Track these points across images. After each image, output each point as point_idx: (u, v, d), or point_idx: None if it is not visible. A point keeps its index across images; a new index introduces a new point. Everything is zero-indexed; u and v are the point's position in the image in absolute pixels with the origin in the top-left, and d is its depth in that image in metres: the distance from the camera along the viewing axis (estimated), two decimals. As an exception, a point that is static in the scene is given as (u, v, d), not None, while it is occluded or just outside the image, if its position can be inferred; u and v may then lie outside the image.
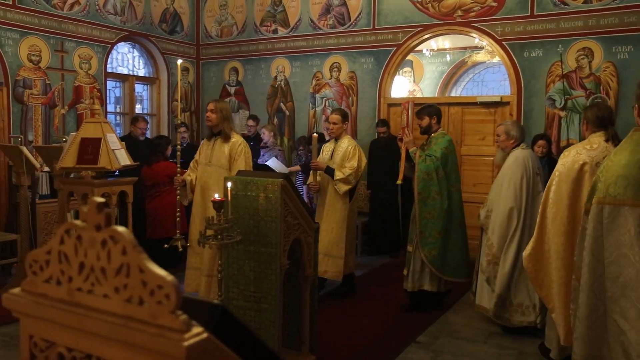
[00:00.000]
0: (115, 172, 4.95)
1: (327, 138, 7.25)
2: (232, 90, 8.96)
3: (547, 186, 3.65)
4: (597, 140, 3.55)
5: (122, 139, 6.35)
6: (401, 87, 9.94)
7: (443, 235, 4.85)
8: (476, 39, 7.49)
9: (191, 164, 5.00)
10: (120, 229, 0.91)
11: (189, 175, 4.91)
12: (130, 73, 8.59)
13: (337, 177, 5.19)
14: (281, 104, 8.44)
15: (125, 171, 5.00)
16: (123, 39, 8.11)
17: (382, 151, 7.16)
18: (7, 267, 6.24)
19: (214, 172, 4.71)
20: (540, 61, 6.66)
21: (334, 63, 7.99)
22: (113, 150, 4.74)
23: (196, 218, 4.80)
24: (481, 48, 9.06)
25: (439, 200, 4.82)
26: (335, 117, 5.45)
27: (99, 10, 7.61)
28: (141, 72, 8.79)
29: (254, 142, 7.62)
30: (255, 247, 3.53)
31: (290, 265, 3.62)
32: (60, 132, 7.12)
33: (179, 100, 7.75)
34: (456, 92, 10.58)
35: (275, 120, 8.51)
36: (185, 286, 4.74)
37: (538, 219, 3.65)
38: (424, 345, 4.37)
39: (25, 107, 6.76)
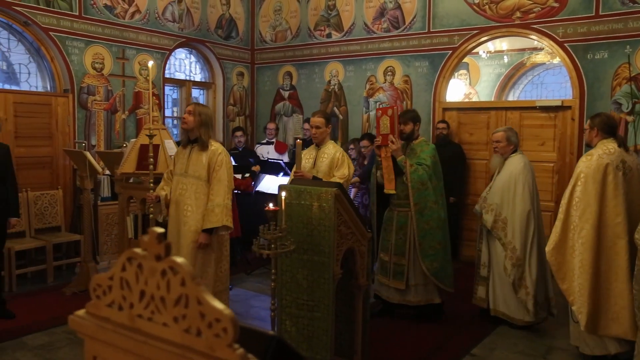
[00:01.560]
0: (172, 177, 5.08)
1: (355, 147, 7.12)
2: (285, 94, 9.04)
3: (570, 188, 3.97)
4: (611, 145, 3.98)
5: (178, 143, 6.52)
6: (456, 90, 9.75)
7: (443, 245, 4.82)
8: (535, 41, 7.27)
9: (165, 175, 4.52)
10: (180, 260, 0.92)
11: (162, 189, 4.43)
12: (187, 78, 8.81)
13: None
14: (335, 108, 8.45)
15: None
16: (180, 46, 8.32)
17: (438, 152, 7.04)
18: (72, 266, 6.51)
19: (191, 184, 4.22)
20: (605, 63, 6.38)
21: (388, 67, 7.92)
22: (170, 156, 4.87)
23: (170, 236, 4.25)
24: (541, 49, 8.78)
25: (437, 209, 4.75)
26: (318, 120, 4.73)
27: (158, 18, 7.84)
28: (197, 77, 8.99)
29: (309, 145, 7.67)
30: (308, 256, 3.54)
31: (343, 274, 3.61)
32: (120, 137, 7.37)
33: (234, 105, 7.88)
34: (514, 95, 10.28)
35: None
36: None
37: (561, 216, 3.96)
38: (479, 358, 4.26)
39: (88, 113, 7.03)
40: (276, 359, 0.98)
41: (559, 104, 6.77)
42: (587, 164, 3.91)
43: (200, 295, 0.91)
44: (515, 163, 4.83)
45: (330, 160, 4.66)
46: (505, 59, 9.76)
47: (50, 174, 6.76)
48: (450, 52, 7.38)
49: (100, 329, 1.05)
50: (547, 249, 4.01)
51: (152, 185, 4.28)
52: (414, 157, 4.77)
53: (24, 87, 6.84)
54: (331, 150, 4.73)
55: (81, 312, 1.09)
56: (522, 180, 4.72)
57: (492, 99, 9.85)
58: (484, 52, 8.96)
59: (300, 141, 4.60)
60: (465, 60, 8.56)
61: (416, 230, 4.72)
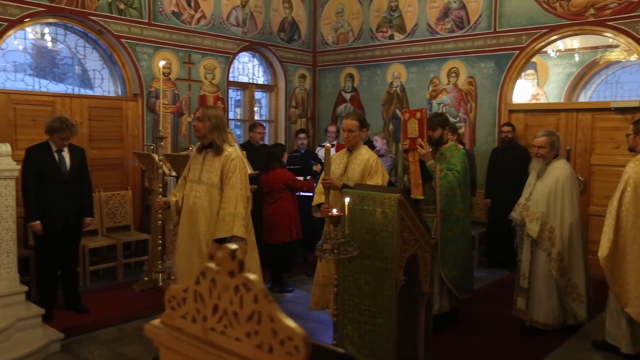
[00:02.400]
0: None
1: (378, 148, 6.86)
2: (347, 96, 9.04)
3: (619, 193, 4.00)
4: None
5: (241, 145, 6.65)
6: (523, 91, 9.44)
7: (463, 254, 4.69)
8: (611, 38, 6.93)
9: (179, 182, 4.33)
10: (252, 277, 0.93)
11: (174, 195, 4.25)
12: (250, 81, 8.96)
13: None
14: (397, 110, 8.37)
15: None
16: (244, 49, 8.48)
17: (504, 155, 6.87)
18: (140, 264, 6.75)
19: (204, 192, 4.00)
20: (686, 62, 6.00)
21: (452, 68, 7.77)
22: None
23: (181, 246, 4.11)
24: (616, 46, 8.36)
25: (462, 217, 4.58)
26: (351, 123, 4.36)
27: (222, 23, 8.02)
28: (260, 80, 9.14)
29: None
30: (371, 262, 3.52)
31: (406, 281, 3.56)
32: (186, 139, 7.59)
33: (296, 107, 7.96)
34: (585, 96, 9.83)
35: (391, 126, 8.45)
36: None
37: (612, 222, 4.00)
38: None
39: (156, 116, 7.28)
40: (346, 377, 0.97)
41: (637, 104, 6.42)
42: (636, 170, 3.97)
43: (273, 313, 0.91)
44: (561, 169, 4.64)
45: (363, 167, 4.31)
46: (576, 58, 9.36)
47: (120, 175, 7.05)
48: (518, 52, 7.16)
49: (174, 339, 1.08)
50: (601, 255, 4.05)
51: (160, 190, 4.11)
52: (443, 162, 4.61)
53: (98, 92, 7.16)
54: (364, 155, 4.37)
55: (156, 321, 1.12)
56: (569, 188, 4.57)
57: (562, 100, 9.48)
58: (553, 51, 8.63)
59: (330, 145, 4.31)
60: (533, 59, 8.27)
61: (439, 237, 4.56)
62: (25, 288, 4.66)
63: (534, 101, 9.63)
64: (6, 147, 4.46)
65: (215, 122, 3.98)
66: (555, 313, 4.66)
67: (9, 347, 4.08)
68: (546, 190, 4.61)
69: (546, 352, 4.43)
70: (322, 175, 4.35)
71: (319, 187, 4.48)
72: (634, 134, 4.16)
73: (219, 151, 3.98)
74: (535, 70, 9.83)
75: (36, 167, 4.86)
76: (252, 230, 4.20)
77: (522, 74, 8.35)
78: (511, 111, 7.35)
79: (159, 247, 4.03)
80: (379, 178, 4.24)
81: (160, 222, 4.13)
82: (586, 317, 4.66)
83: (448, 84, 7.83)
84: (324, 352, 1.01)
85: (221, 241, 3.87)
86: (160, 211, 4.11)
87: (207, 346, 1.01)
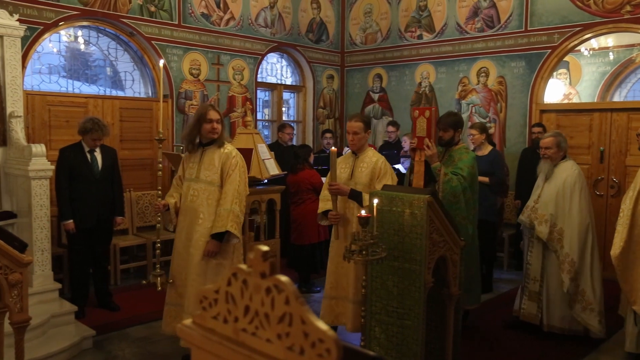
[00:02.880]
0: (264, 180, 5.20)
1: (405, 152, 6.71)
2: (375, 96, 9.00)
3: (633, 193, 4.00)
4: None
5: (269, 146, 6.68)
6: (555, 91, 9.26)
7: (467, 261, 4.40)
8: (646, 36, 6.75)
9: (174, 182, 4.22)
10: (284, 279, 0.93)
11: (171, 196, 4.12)
12: (278, 82, 9.00)
13: (368, 203, 3.84)
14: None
15: (273, 179, 5.23)
16: (272, 50, 8.52)
17: (534, 156, 6.75)
18: (169, 263, 6.82)
19: (203, 190, 3.90)
20: None
21: (482, 68, 7.68)
22: (263, 160, 4.99)
23: (180, 245, 4.02)
24: (652, 45, 8.15)
25: (465, 225, 4.27)
26: (356, 125, 4.15)
27: (251, 24, 8.07)
28: (288, 81, 9.17)
29: (395, 149, 7.60)
30: (399, 263, 3.49)
31: (435, 283, 3.52)
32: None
33: (324, 107, 7.96)
34: (620, 95, 9.59)
35: (418, 127, 8.37)
36: (164, 325, 4.12)
37: (626, 221, 3.98)
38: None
39: (186, 117, 7.36)
40: (378, 380, 0.96)
41: (673, 104, 6.24)
42: None
43: (304, 315, 0.91)
44: (569, 170, 4.58)
45: (371, 170, 4.11)
46: (611, 56, 9.15)
47: (150, 175, 7.15)
48: (550, 51, 7.03)
49: (206, 339, 1.08)
50: (613, 253, 4.01)
51: (159, 192, 4.00)
52: (450, 165, 4.33)
53: (128, 93, 7.28)
54: (371, 158, 4.18)
55: (188, 321, 1.13)
56: (578, 189, 4.53)
57: (595, 100, 9.27)
58: (586, 49, 8.46)
59: (335, 149, 3.91)
60: (566, 58, 8.11)
61: None
62: (59, 285, 4.76)
63: (566, 101, 9.44)
64: (41, 148, 4.57)
65: (222, 120, 4.01)
66: (569, 316, 4.58)
67: (44, 343, 4.17)
68: (554, 191, 4.55)
69: (579, 356, 4.33)
70: (327, 181, 4.14)
71: (324, 193, 4.25)
72: None
73: (221, 145, 3.94)
74: (568, 70, 9.64)
75: (69, 167, 4.97)
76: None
77: (554, 74, 8.19)
78: (542, 111, 7.22)
79: (157, 251, 3.97)
80: (389, 180, 4.06)
81: (158, 225, 4.02)
82: (600, 328, 4.51)
83: (477, 84, 7.73)
84: (355, 355, 1.00)
85: (218, 237, 3.84)
86: (159, 214, 4.01)
87: (239, 347, 1.01)
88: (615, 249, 4.01)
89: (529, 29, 7.19)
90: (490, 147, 6.12)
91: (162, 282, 3.83)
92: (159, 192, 3.99)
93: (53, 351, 4.10)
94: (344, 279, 4.15)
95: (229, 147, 3.98)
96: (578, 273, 4.47)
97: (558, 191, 4.53)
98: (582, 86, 9.61)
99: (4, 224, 4.43)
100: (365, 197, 3.97)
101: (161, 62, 4.19)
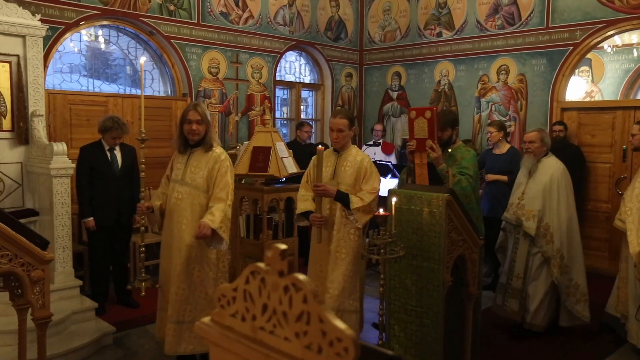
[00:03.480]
0: (282, 179, 5.20)
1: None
2: (394, 95, 8.96)
3: None
4: None
5: (288, 144, 6.68)
6: (577, 88, 9.12)
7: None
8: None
9: (162, 182, 4.03)
10: (302, 277, 0.92)
11: (157, 198, 3.97)
12: (297, 80, 9.00)
13: (356, 205, 3.82)
14: (444, 108, 8.23)
15: (291, 177, 5.23)
16: (291, 48, 8.52)
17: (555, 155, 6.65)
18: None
19: (187, 194, 3.75)
20: None
21: (502, 65, 7.59)
22: (281, 158, 4.99)
23: (165, 249, 3.88)
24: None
25: (479, 225, 4.06)
26: (341, 122, 3.93)
27: (270, 22, 8.08)
28: (307, 79, 9.17)
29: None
30: (417, 262, 3.47)
31: (453, 282, 3.50)
32: (233, 138, 7.69)
33: (342, 106, 7.94)
34: (644, 93, 9.42)
35: (437, 125, 8.32)
36: (156, 330, 4.07)
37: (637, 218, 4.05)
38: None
39: (205, 115, 7.39)
40: (396, 380, 0.95)
41: (699, 102, 6.11)
42: None
43: (322, 314, 0.90)
44: (554, 166, 4.60)
45: (356, 170, 3.94)
46: (635, 53, 8.98)
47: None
48: (571, 48, 6.92)
49: (224, 337, 1.08)
50: (633, 251, 4.03)
51: (142, 195, 3.89)
52: (454, 165, 4.06)
53: (148, 92, 7.34)
54: (355, 157, 3.99)
55: (206, 319, 1.13)
56: (564, 184, 4.58)
57: (618, 98, 9.11)
58: (609, 46, 8.32)
59: (322, 147, 3.69)
60: (588, 56, 7.99)
61: None
62: (80, 282, 4.82)
63: (588, 99, 9.30)
64: (62, 146, 4.63)
65: (208, 120, 3.80)
66: (548, 314, 4.63)
67: (65, 339, 4.23)
68: (540, 187, 4.56)
69: (603, 356, 4.27)
70: (306, 179, 4.07)
71: (302, 192, 4.10)
72: None
73: (209, 148, 3.77)
74: (590, 67, 9.49)
75: (89, 165, 5.02)
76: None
77: (576, 71, 8.07)
78: (564, 109, 7.12)
79: (142, 254, 3.90)
80: (376, 182, 3.92)
81: (143, 227, 3.92)
82: (589, 317, 4.63)
83: (497, 82, 7.65)
84: (373, 354, 0.99)
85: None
86: (143, 217, 3.86)
87: (256, 345, 1.01)
88: (635, 247, 4.04)
89: (550, 25, 7.09)
90: (508, 145, 6.06)
91: (147, 286, 3.74)
92: (142, 194, 3.92)
93: (74, 347, 4.16)
94: (324, 284, 4.01)
95: (217, 150, 3.80)
96: (568, 267, 4.53)
97: (545, 187, 4.54)
98: (605, 84, 9.45)
99: (27, 221, 4.50)
100: (354, 199, 3.82)
101: (142, 59, 4.02)
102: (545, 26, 7.14)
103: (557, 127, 6.80)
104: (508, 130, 7.05)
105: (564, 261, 4.53)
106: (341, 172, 3.96)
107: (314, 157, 3.96)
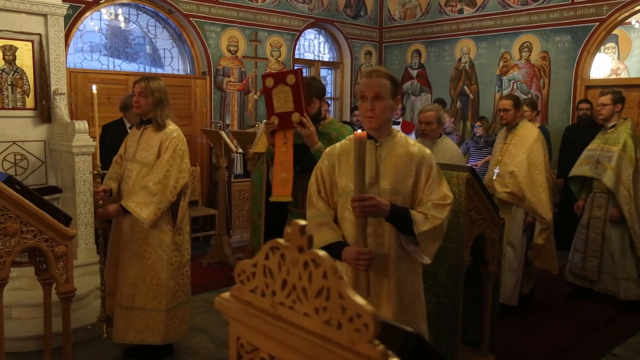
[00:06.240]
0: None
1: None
2: (414, 73, 8.86)
3: None
4: None
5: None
6: (602, 66, 8.91)
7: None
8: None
9: (114, 160, 3.79)
10: (322, 253, 0.92)
11: (111, 178, 3.70)
12: (316, 58, 8.94)
13: (423, 228, 2.30)
14: (465, 87, 8.13)
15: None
16: (310, 26, 8.45)
17: (579, 134, 6.55)
18: (207, 238, 6.96)
19: (137, 172, 3.54)
20: None
21: (525, 43, 7.44)
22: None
23: (116, 229, 3.67)
24: None
25: None
26: (379, 83, 2.36)
27: (289, 0, 8.00)
28: (326, 57, 9.10)
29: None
30: (436, 241, 3.45)
31: (473, 261, 3.48)
32: (252, 117, 7.70)
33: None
34: (673, 70, 9.17)
35: (458, 103, 8.23)
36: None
37: None
38: (622, 359, 3.93)
39: (224, 94, 7.41)
40: (414, 356, 0.95)
41: None
42: None
43: (341, 289, 0.91)
44: (453, 148, 4.23)
45: (415, 167, 2.42)
46: (663, 29, 8.73)
47: (189, 151, 7.23)
48: (597, 24, 6.75)
49: (243, 312, 1.09)
50: None
51: (99, 178, 3.62)
52: (328, 145, 2.90)
53: (167, 70, 7.36)
54: (408, 147, 2.45)
55: (226, 294, 1.14)
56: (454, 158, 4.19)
57: (645, 75, 8.88)
58: (637, 22, 8.09)
59: (364, 132, 2.09)
60: (614, 32, 7.79)
61: None
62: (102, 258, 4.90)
63: (613, 76, 9.08)
64: (84, 125, 4.67)
65: (158, 97, 3.53)
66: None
67: (88, 313, 4.32)
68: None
69: (623, 339, 4.24)
70: (320, 188, 2.47)
71: (313, 211, 2.46)
72: None
73: (159, 128, 3.54)
74: (616, 43, 9.24)
75: (110, 142, 5.07)
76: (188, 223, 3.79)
77: (601, 48, 7.88)
78: (588, 87, 6.98)
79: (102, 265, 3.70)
80: (445, 185, 2.47)
81: (100, 222, 3.71)
82: None
83: (520, 59, 7.51)
84: (392, 330, 0.99)
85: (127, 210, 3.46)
86: (100, 201, 3.55)
87: (276, 320, 1.02)
88: None
89: (575, 1, 6.92)
90: (538, 124, 5.93)
91: (107, 326, 3.61)
92: (96, 173, 3.62)
93: (97, 321, 4.24)
94: None
95: (170, 127, 3.56)
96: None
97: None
98: (632, 61, 9.21)
99: (50, 198, 4.57)
100: (418, 218, 2.31)
101: (94, 88, 3.78)
102: (570, 1, 6.97)
103: (584, 105, 6.64)
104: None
105: None
106: (388, 173, 2.39)
107: (332, 151, 2.53)
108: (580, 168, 4.94)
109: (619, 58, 9.29)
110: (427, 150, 2.48)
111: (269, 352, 1.06)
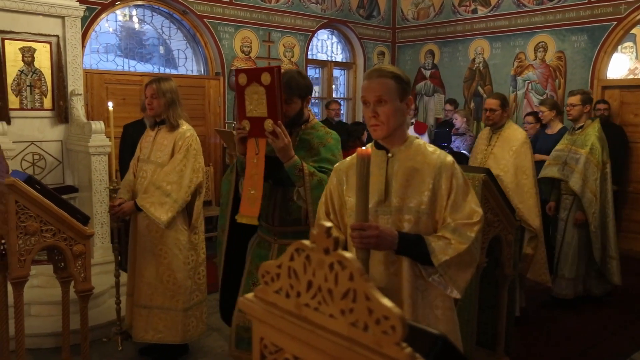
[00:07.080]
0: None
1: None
2: (427, 73, 8.83)
3: None
4: None
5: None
6: (619, 65, 8.81)
7: None
8: None
9: (131, 164, 3.80)
10: (348, 255, 0.92)
11: (125, 190, 3.68)
12: (329, 59, 8.94)
13: (443, 258, 1.95)
14: (479, 87, 8.08)
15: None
16: (323, 27, 8.45)
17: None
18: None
19: (152, 172, 3.55)
20: None
21: (540, 42, 7.39)
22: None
23: (133, 230, 3.71)
24: None
25: None
26: (384, 84, 2.02)
27: (302, 1, 8.02)
28: (339, 58, 9.09)
29: (447, 127, 7.45)
30: (452, 242, 3.44)
31: (488, 263, 3.46)
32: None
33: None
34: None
35: (472, 104, 8.19)
36: (127, 317, 3.89)
37: None
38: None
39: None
40: (441, 359, 0.95)
41: None
42: None
43: (368, 291, 0.91)
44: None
45: (433, 180, 2.04)
46: (681, 29, 8.61)
47: (203, 151, 7.26)
48: (615, 23, 6.69)
49: (268, 313, 1.09)
50: None
51: (114, 194, 3.64)
52: (309, 157, 2.71)
53: (181, 71, 7.39)
54: (426, 156, 2.08)
55: (250, 295, 1.14)
56: None
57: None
58: (654, 21, 7.98)
59: (368, 148, 1.72)
60: (632, 31, 7.70)
61: None
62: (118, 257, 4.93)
63: (631, 76, 8.98)
64: (100, 125, 4.71)
65: (170, 98, 3.54)
66: None
67: (103, 311, 4.36)
68: None
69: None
70: (329, 208, 2.19)
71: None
72: None
73: (173, 128, 3.55)
74: (634, 43, 9.12)
75: (131, 142, 5.10)
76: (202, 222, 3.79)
77: (619, 47, 7.80)
78: (605, 87, 6.92)
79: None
80: (473, 200, 2.08)
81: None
82: None
83: (535, 60, 7.45)
84: (419, 333, 0.99)
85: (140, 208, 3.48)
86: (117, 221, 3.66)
87: (301, 321, 1.02)
88: None
89: (592, 0, 6.85)
90: (560, 125, 5.84)
91: (122, 339, 3.66)
92: (110, 187, 3.65)
93: (113, 319, 4.27)
94: None
95: (184, 127, 3.57)
96: None
97: None
98: (649, 61, 9.11)
99: (67, 197, 4.61)
100: (436, 246, 1.96)
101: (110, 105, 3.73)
102: (587, 1, 6.90)
103: (602, 106, 6.55)
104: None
105: None
106: (400, 187, 2.03)
107: (340, 165, 2.23)
108: (548, 169, 4.85)
109: (637, 58, 9.17)
110: (449, 157, 2.10)
111: (294, 353, 1.06)
